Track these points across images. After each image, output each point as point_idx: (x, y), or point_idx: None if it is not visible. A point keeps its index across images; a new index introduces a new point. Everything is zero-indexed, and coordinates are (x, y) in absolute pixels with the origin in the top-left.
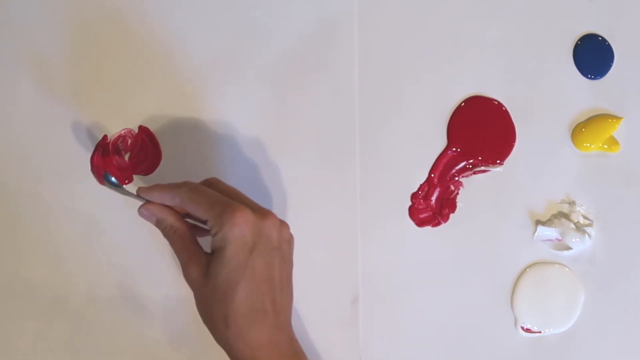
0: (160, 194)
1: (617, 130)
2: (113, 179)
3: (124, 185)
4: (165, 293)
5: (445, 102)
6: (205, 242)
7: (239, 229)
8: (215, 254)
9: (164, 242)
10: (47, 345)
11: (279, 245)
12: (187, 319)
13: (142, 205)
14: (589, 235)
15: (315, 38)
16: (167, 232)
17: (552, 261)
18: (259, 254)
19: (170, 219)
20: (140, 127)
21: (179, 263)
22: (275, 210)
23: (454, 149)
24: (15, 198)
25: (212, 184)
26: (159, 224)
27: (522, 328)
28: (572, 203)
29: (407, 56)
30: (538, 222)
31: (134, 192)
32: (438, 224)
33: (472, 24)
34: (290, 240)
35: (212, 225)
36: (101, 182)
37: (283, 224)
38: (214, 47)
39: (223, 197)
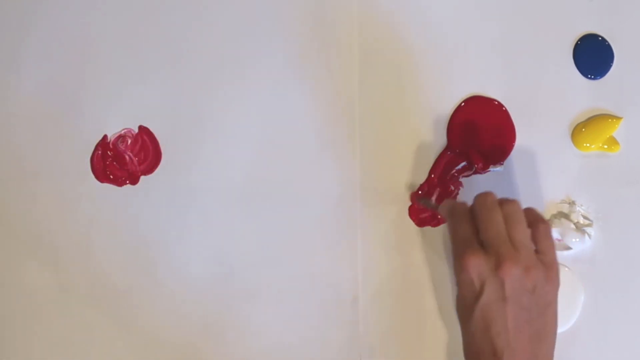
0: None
1: (617, 130)
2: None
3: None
4: (165, 292)
5: (445, 102)
6: None
7: (465, 275)
8: None
9: (164, 242)
10: (46, 345)
11: (511, 295)
12: (187, 319)
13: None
14: (589, 235)
15: (315, 38)
16: None
17: None
18: (484, 302)
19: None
20: (140, 127)
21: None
22: (275, 210)
23: (454, 149)
24: (15, 198)
25: (505, 210)
26: None
27: None
28: (572, 203)
29: (407, 56)
30: None
31: None
32: (438, 224)
33: (471, 24)
34: (534, 289)
35: (453, 263)
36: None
37: (532, 274)
38: (214, 47)
39: (467, 237)
